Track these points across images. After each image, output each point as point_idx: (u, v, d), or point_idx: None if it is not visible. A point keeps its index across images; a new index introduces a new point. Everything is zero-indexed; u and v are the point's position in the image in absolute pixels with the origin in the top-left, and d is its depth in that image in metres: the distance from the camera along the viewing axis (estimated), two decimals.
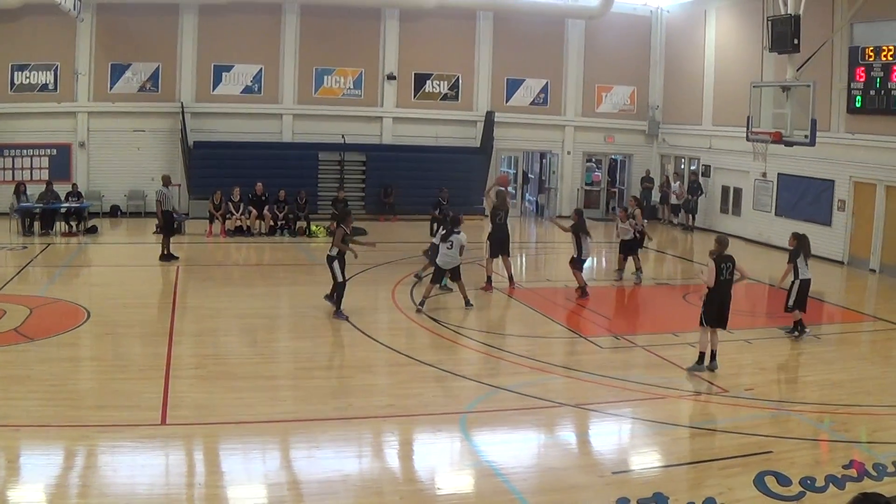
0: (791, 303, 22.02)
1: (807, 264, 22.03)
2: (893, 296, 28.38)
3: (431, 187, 40.47)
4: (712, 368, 18.68)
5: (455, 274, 23.99)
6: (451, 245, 23.50)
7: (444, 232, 24.04)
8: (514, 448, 14.08)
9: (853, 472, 13.18)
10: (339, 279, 21.72)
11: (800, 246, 22.05)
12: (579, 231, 25.62)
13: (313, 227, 35.67)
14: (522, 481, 12.54)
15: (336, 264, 21.83)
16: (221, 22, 39.42)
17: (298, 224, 35.75)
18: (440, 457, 13.60)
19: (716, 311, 18.96)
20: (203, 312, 22.17)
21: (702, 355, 18.88)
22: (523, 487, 12.34)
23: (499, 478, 12.58)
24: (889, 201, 32.45)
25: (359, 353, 19.09)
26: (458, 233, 23.76)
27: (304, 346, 19.64)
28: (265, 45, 40.73)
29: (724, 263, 18.90)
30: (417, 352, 19.03)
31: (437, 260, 23.85)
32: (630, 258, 28.55)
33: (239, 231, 34.80)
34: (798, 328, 22.17)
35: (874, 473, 13.20)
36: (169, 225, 29.03)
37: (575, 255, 25.87)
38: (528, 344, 20.60)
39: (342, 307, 21.85)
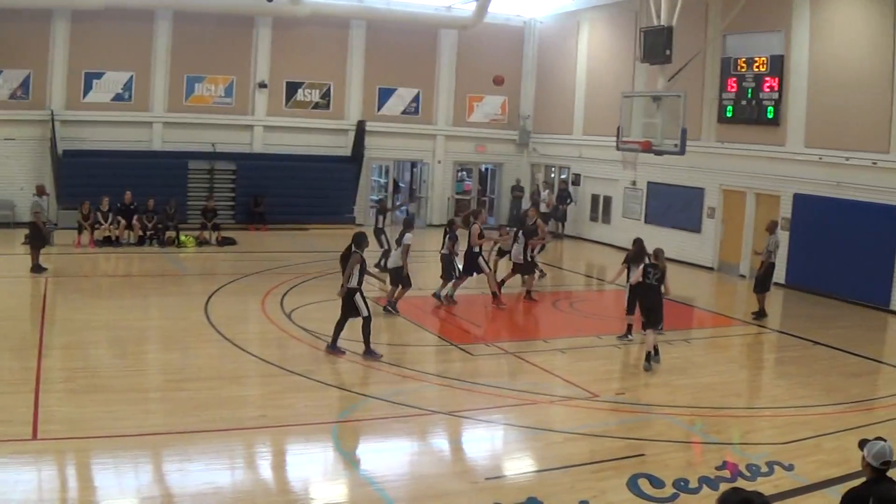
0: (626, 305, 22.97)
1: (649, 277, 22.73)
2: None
3: (302, 196, 40.74)
4: (652, 364, 20.21)
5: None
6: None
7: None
8: (387, 456, 14.26)
9: (726, 473, 13.63)
10: (365, 313, 20.01)
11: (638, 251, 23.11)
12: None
13: (182, 237, 35.37)
14: (396, 489, 12.70)
15: (358, 297, 19.94)
16: (93, 28, 38.78)
17: (168, 234, 35.34)
18: (313, 467, 13.66)
19: (637, 307, 21.35)
20: (72, 325, 21.88)
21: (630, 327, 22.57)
22: (397, 495, 12.51)
23: (372, 486, 12.72)
24: (758, 208, 33.42)
25: (229, 365, 18.95)
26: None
27: (173, 357, 19.56)
28: (136, 53, 40.22)
29: (649, 269, 20.52)
30: (288, 362, 19.05)
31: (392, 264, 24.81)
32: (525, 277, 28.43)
33: (108, 241, 34.23)
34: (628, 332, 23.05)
35: (747, 474, 13.66)
36: (40, 236, 28.60)
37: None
38: (398, 353, 20.81)
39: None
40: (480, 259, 26.23)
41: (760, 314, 26.07)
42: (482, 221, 27.42)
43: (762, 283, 25.96)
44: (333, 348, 19.97)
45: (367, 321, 19.84)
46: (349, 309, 19.89)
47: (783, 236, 31.43)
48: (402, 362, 19.75)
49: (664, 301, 20.68)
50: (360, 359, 19.60)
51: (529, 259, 26.92)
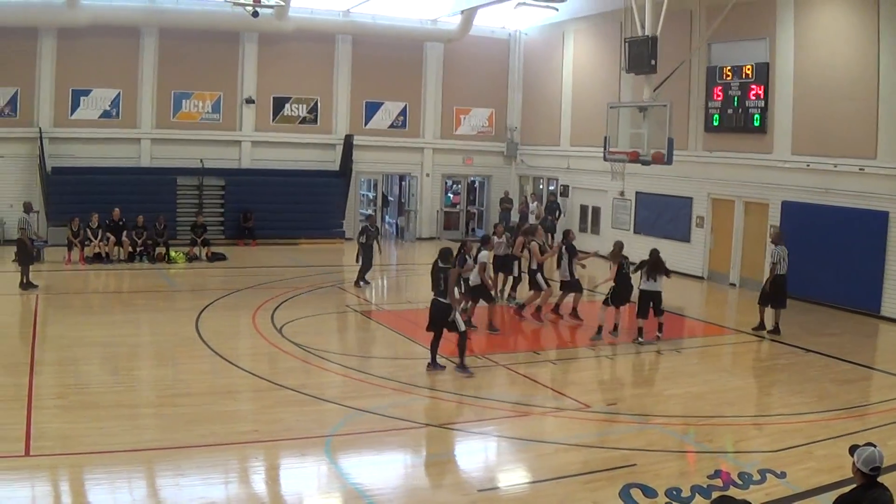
0: (637, 310, 23.81)
1: (648, 277, 23.66)
2: (753, 308, 28.98)
3: (291, 211, 40.78)
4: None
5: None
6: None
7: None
8: (380, 469, 14.23)
9: (719, 482, 13.61)
10: (463, 328, 19.98)
11: (643, 261, 24.18)
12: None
13: (172, 253, 35.36)
14: (389, 502, 12.73)
15: (456, 313, 20.03)
16: (80, 46, 38.75)
17: (157, 250, 35.29)
18: (306, 481, 13.66)
19: (620, 295, 23.91)
20: (64, 341, 21.81)
21: (600, 328, 23.84)
22: None
23: (365, 500, 12.70)
24: (747, 217, 33.50)
25: (221, 380, 18.96)
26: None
27: (165, 373, 19.52)
28: (123, 69, 40.17)
29: (623, 261, 23.94)
30: (280, 377, 19.03)
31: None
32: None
33: (98, 258, 34.22)
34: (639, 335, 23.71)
35: (740, 482, 13.65)
36: (28, 253, 28.60)
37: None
38: (390, 366, 20.87)
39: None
40: (539, 276, 26.00)
41: (760, 327, 25.56)
42: (539, 238, 27.19)
43: (767, 296, 25.48)
44: (463, 369, 19.87)
45: (463, 336, 19.86)
46: (447, 325, 19.88)
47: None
48: (393, 375, 19.72)
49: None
50: (352, 372, 19.58)
51: (574, 276, 26.69)
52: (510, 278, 28.78)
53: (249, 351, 22.13)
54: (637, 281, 24.08)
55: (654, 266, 23.77)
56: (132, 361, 20.58)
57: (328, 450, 14.66)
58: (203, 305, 26.37)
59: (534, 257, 25.81)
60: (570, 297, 26.59)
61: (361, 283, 30.56)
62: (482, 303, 24.47)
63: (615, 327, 24.21)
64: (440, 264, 19.86)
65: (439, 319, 19.89)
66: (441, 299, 19.78)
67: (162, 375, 19.36)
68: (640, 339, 23.62)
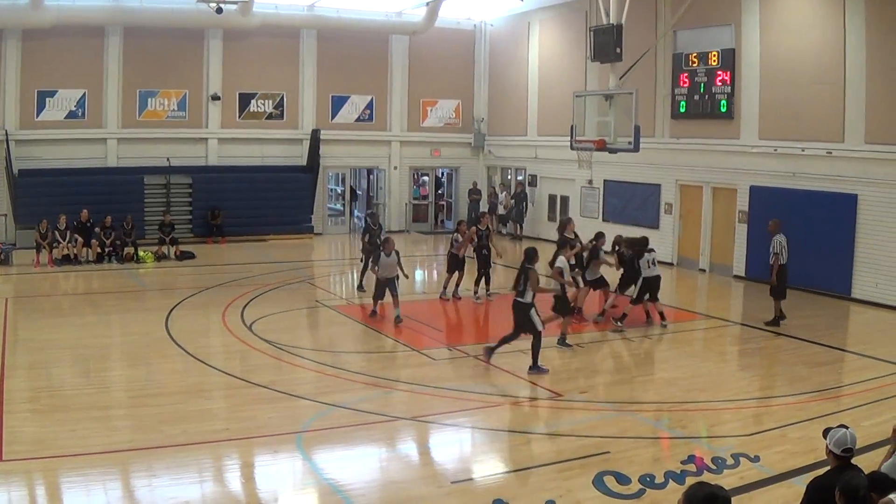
0: (635, 296, 24.36)
1: (648, 264, 24.25)
2: (723, 294, 29.21)
3: (259, 207, 40.73)
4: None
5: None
6: None
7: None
8: (353, 464, 14.18)
9: (693, 467, 13.67)
10: (540, 328, 19.63)
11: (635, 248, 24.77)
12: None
13: (141, 253, 35.16)
14: (362, 497, 12.68)
15: (533, 312, 19.65)
16: (44, 47, 38.48)
17: (126, 250, 35.06)
18: (280, 478, 13.58)
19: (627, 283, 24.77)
20: (34, 344, 21.60)
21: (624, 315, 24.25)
22: (364, 503, 12.51)
23: (339, 495, 12.67)
24: (715, 202, 33.63)
25: (192, 379, 18.87)
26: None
27: (136, 373, 19.35)
28: (88, 69, 39.93)
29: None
30: (251, 374, 18.96)
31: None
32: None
33: (66, 260, 33.96)
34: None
35: (713, 467, 13.71)
36: None
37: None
38: (361, 360, 20.81)
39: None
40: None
41: (774, 321, 25.00)
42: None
43: (775, 288, 25.41)
44: (538, 369, 19.50)
45: (539, 336, 19.59)
46: (524, 324, 19.68)
47: (741, 229, 31.69)
48: (365, 370, 19.70)
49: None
50: (323, 368, 19.54)
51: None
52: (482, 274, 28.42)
53: (220, 349, 22.06)
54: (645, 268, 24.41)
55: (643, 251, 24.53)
56: (103, 363, 20.43)
57: (301, 446, 14.61)
58: (173, 304, 26.25)
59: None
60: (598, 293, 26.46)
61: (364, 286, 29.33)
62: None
63: (622, 316, 24.32)
64: (526, 265, 19.70)
65: (517, 318, 19.80)
66: (520, 299, 19.66)
67: (133, 376, 19.20)
68: (619, 323, 23.96)
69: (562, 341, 21.71)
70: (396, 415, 16.62)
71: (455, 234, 28.43)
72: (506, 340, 20.03)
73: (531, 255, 19.90)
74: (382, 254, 24.31)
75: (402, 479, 13.48)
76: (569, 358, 21.01)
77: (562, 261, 21.88)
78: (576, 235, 25.48)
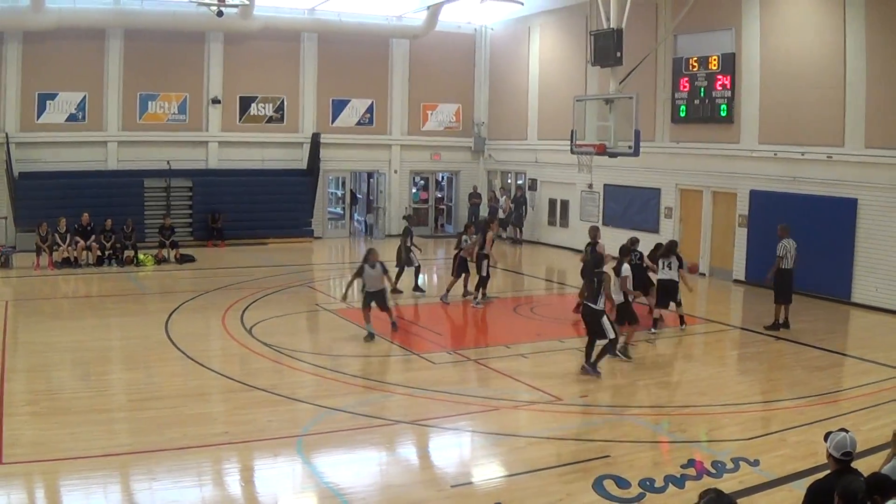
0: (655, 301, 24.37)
1: (664, 266, 24.19)
2: (723, 298, 29.19)
3: (259, 211, 40.73)
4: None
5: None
6: None
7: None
8: (353, 468, 14.15)
9: (692, 472, 13.66)
10: (612, 335, 19.59)
11: (657, 249, 25.08)
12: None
13: (141, 256, 35.13)
14: (363, 500, 12.67)
15: (605, 319, 19.53)
16: (45, 49, 38.46)
17: (126, 253, 35.05)
18: (280, 481, 13.58)
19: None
20: (34, 347, 21.58)
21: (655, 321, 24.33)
22: None
23: (339, 499, 12.66)
24: (715, 207, 33.62)
25: (192, 382, 18.85)
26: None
27: (136, 377, 19.31)
28: (89, 72, 39.92)
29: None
30: (251, 377, 18.94)
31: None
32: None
33: (66, 263, 33.92)
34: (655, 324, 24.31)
35: (713, 471, 13.70)
36: None
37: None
38: (361, 364, 20.84)
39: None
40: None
41: (774, 325, 24.97)
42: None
43: (777, 292, 25.37)
44: (592, 369, 19.49)
45: (612, 343, 19.64)
46: (596, 331, 19.53)
47: (741, 234, 31.70)
48: (365, 373, 19.78)
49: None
50: (323, 371, 19.59)
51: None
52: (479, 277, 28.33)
53: (220, 352, 22.04)
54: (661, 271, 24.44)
55: (668, 253, 24.35)
56: (103, 366, 20.39)
57: (301, 449, 14.59)
58: (173, 308, 26.24)
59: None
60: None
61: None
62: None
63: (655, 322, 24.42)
64: (595, 269, 19.57)
65: (589, 324, 19.68)
66: (591, 304, 19.51)
67: (133, 379, 19.18)
68: (653, 329, 24.11)
69: (623, 351, 21.21)
70: (396, 418, 16.61)
71: (464, 237, 28.48)
72: (590, 348, 19.77)
73: (599, 260, 19.84)
74: (367, 266, 23.09)
75: (403, 483, 13.48)
76: (569, 362, 20.96)
77: (626, 268, 21.45)
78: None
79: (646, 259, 24.99)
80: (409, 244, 29.75)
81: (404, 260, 29.66)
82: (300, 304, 28.07)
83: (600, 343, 19.58)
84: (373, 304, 23.09)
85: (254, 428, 15.74)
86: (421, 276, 30.41)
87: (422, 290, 29.93)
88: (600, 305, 19.36)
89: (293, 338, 22.99)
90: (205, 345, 22.62)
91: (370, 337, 22.65)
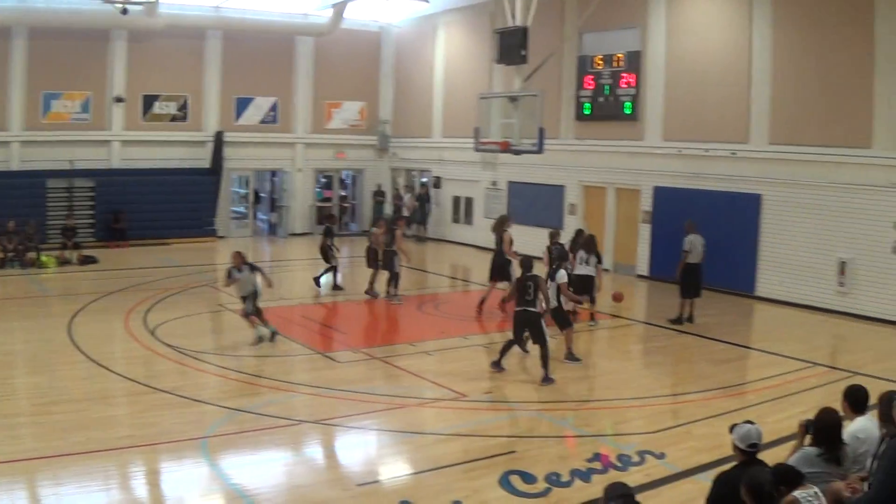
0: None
1: (581, 262, 24.40)
2: (627, 293, 29.35)
3: (162, 210, 40.32)
4: None
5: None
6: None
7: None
8: (259, 469, 14.06)
9: (598, 465, 13.79)
10: (548, 339, 19.37)
11: (578, 236, 25.59)
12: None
13: (43, 258, 34.61)
14: (268, 501, 12.62)
15: (543, 322, 19.33)
16: None
17: (28, 255, 34.49)
18: (185, 484, 13.44)
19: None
20: None
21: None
22: None
23: (244, 500, 12.60)
24: (619, 203, 33.96)
25: (95, 385, 18.56)
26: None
27: (40, 380, 18.97)
28: None
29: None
30: (155, 379, 18.70)
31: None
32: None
33: None
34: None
35: (619, 464, 13.87)
36: None
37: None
38: (265, 364, 20.68)
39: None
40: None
41: (678, 319, 25.44)
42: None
43: (681, 287, 25.48)
44: (547, 380, 19.05)
45: (547, 346, 19.36)
46: (536, 334, 19.36)
47: (644, 230, 31.99)
48: (269, 373, 19.63)
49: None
50: (227, 372, 19.45)
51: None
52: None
53: (124, 355, 21.68)
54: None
55: (587, 249, 24.59)
56: (6, 370, 20.04)
57: (206, 451, 14.48)
58: (75, 310, 25.88)
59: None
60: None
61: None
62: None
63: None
64: (527, 274, 19.37)
65: (528, 328, 19.48)
66: (530, 308, 19.21)
67: (36, 383, 18.86)
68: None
69: (569, 356, 21.08)
70: (301, 418, 16.57)
71: (373, 228, 28.68)
72: (508, 347, 19.84)
73: (529, 265, 19.68)
74: (233, 270, 22.40)
75: (308, 483, 13.44)
76: (473, 359, 21.03)
77: (563, 274, 21.12)
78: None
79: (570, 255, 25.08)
80: (329, 243, 29.70)
81: (331, 258, 29.75)
82: (203, 304, 27.83)
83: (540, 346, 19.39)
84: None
85: (159, 430, 15.53)
86: (338, 273, 30.24)
87: (341, 288, 29.85)
88: (537, 308, 19.24)
89: (197, 339, 22.79)
90: (108, 347, 22.25)
91: (271, 336, 22.33)
